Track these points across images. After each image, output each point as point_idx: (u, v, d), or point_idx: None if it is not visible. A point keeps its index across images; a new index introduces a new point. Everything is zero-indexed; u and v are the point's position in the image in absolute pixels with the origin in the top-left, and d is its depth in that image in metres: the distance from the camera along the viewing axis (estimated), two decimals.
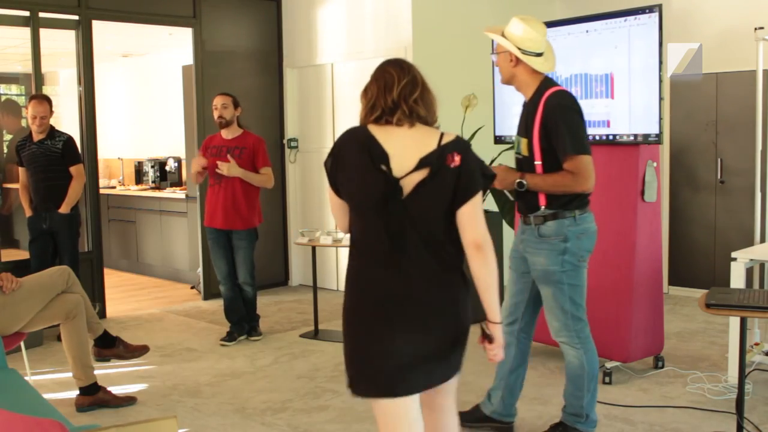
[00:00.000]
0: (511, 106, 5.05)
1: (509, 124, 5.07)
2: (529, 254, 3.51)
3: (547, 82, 3.43)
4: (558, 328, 3.50)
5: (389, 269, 2.41)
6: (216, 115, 5.46)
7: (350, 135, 2.48)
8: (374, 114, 2.45)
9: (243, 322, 5.62)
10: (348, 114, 7.10)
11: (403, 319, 2.41)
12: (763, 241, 5.14)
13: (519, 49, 3.37)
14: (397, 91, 2.42)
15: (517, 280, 3.65)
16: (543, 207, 3.40)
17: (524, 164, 3.48)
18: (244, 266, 5.55)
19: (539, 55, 3.40)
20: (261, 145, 5.49)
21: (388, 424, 2.47)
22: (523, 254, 3.57)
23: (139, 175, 9.19)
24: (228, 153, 5.39)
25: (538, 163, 3.40)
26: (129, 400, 4.29)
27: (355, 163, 2.42)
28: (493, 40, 5.31)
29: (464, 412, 3.79)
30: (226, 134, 5.50)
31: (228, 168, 5.28)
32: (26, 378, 3.90)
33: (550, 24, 4.14)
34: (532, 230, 3.46)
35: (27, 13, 6.01)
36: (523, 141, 3.45)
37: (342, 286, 7.26)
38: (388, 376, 2.42)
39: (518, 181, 3.40)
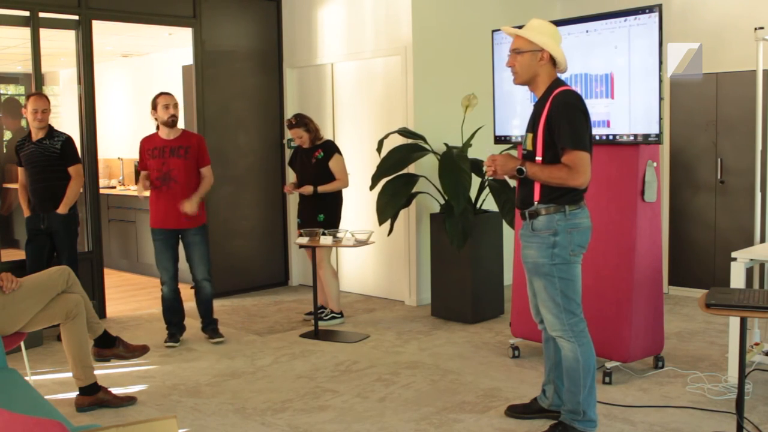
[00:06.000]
0: (510, 105, 5.05)
1: (509, 125, 5.07)
2: (523, 248, 3.63)
3: (558, 81, 3.58)
4: (552, 322, 3.59)
5: None
6: (168, 114, 5.32)
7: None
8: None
9: (183, 322, 5.58)
10: (348, 114, 7.10)
11: None
12: (763, 241, 5.14)
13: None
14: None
15: (530, 283, 3.73)
16: (536, 202, 3.52)
17: (528, 159, 3.60)
18: (201, 263, 5.45)
19: None
20: (203, 143, 5.50)
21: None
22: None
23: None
24: (172, 153, 5.34)
25: (538, 158, 3.51)
26: (129, 400, 4.29)
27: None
28: (496, 42, 5.29)
29: (522, 404, 4.00)
30: (167, 134, 5.39)
31: (189, 207, 5.27)
32: (26, 378, 3.90)
33: None
34: (527, 224, 3.59)
35: (27, 13, 6.00)
36: (529, 136, 3.59)
37: (342, 286, 7.22)
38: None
39: (518, 167, 3.50)
